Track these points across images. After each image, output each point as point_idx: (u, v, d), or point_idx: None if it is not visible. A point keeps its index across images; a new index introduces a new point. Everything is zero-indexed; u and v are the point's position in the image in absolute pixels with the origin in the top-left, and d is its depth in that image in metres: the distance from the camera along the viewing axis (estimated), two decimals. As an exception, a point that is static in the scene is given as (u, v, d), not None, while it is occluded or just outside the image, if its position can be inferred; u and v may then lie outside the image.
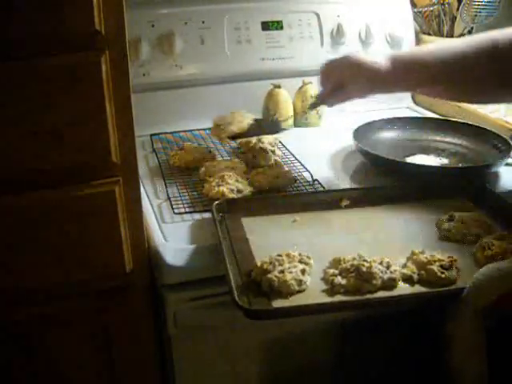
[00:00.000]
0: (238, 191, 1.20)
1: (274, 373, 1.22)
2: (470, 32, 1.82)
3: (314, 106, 1.46)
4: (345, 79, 1.25)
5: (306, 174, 1.35)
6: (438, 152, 1.47)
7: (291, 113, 1.70)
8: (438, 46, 1.29)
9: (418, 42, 1.88)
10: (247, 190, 1.22)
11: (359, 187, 1.32)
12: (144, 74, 1.60)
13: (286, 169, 1.33)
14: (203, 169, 1.31)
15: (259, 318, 0.92)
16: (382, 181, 1.32)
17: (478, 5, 1.77)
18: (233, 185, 1.21)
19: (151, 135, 1.58)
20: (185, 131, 1.62)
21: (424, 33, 1.89)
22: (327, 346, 1.23)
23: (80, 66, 0.92)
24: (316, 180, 1.31)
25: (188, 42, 1.62)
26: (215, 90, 1.68)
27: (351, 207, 1.19)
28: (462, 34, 1.82)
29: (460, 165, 1.38)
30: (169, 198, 1.23)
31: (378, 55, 1.24)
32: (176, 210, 1.19)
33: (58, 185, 0.97)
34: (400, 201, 1.20)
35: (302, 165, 1.40)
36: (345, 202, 1.19)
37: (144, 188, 1.29)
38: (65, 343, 1.09)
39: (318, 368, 1.23)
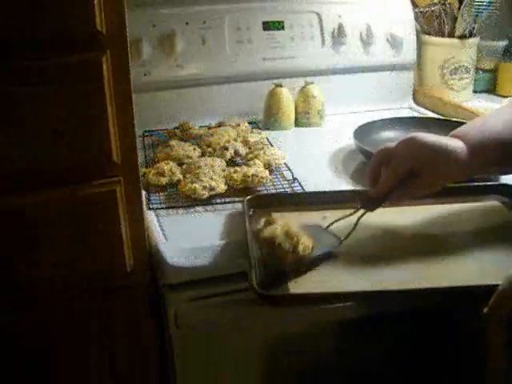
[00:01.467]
0: (211, 189, 1.22)
1: (276, 372, 1.22)
2: (471, 32, 1.82)
3: (373, 207, 1.07)
4: (420, 167, 1.01)
5: (287, 173, 1.35)
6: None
7: (293, 112, 1.70)
8: (502, 114, 1.11)
9: (419, 41, 1.88)
10: (220, 187, 1.23)
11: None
12: (145, 74, 1.59)
13: (262, 168, 1.32)
14: (184, 166, 1.33)
15: (278, 304, 0.96)
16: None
17: (479, 5, 1.77)
18: (206, 182, 1.22)
19: (143, 132, 1.60)
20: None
21: (425, 33, 1.89)
22: (330, 345, 1.23)
23: (81, 66, 0.92)
24: (296, 179, 1.31)
25: (189, 42, 1.62)
26: (216, 89, 1.68)
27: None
28: (463, 35, 1.82)
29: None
30: (148, 194, 1.25)
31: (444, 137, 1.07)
32: (151, 206, 1.21)
33: (58, 185, 0.97)
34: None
35: (285, 164, 1.39)
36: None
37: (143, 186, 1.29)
38: (65, 343, 1.08)
39: (320, 368, 1.23)
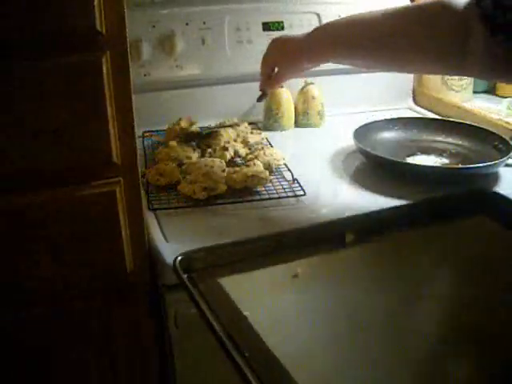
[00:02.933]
0: (211, 189, 1.22)
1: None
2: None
3: (260, 98, 1.45)
4: (276, 60, 1.32)
5: (287, 174, 1.35)
6: (439, 152, 1.47)
7: (293, 112, 1.70)
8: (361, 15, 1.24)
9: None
10: (220, 188, 1.23)
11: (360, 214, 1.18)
12: (145, 75, 1.59)
13: (262, 169, 1.31)
14: (184, 167, 1.33)
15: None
16: (383, 181, 1.32)
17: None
18: (206, 183, 1.23)
19: (143, 132, 1.59)
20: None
21: (425, 33, 1.89)
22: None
23: (81, 67, 0.92)
24: (296, 179, 1.31)
25: (189, 43, 1.62)
26: (216, 90, 1.68)
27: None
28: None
29: (460, 165, 1.38)
30: (148, 195, 1.25)
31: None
32: (152, 206, 1.21)
33: (58, 185, 0.97)
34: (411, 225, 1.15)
35: (285, 165, 1.39)
36: (348, 238, 1.12)
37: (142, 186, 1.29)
38: (65, 343, 1.08)
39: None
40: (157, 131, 1.60)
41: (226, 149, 1.40)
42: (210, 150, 1.42)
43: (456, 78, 1.85)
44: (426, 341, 1.06)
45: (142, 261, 1.08)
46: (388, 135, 1.53)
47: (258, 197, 1.26)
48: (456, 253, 1.12)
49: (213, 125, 1.60)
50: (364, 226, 1.13)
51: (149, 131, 1.60)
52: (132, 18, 1.01)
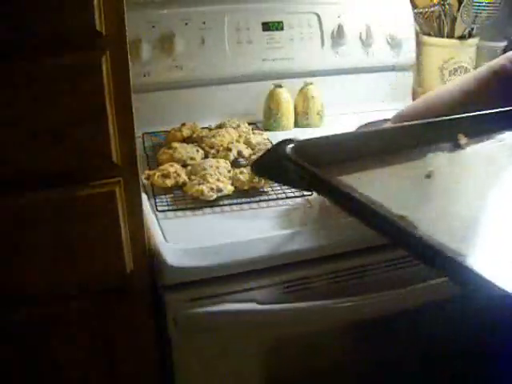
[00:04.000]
0: (218, 190, 1.21)
1: (276, 375, 1.22)
2: (470, 33, 1.82)
3: None
4: None
5: None
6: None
7: (292, 112, 1.70)
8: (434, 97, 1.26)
9: (419, 42, 1.88)
10: (227, 188, 1.22)
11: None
12: (144, 75, 1.59)
13: None
14: (189, 168, 1.32)
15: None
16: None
17: (479, 6, 1.77)
18: (213, 183, 1.22)
19: (143, 133, 1.58)
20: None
21: (424, 34, 1.89)
22: (332, 346, 1.23)
23: (80, 67, 0.92)
24: None
25: (188, 43, 1.61)
26: (216, 90, 1.68)
27: None
28: (462, 35, 1.82)
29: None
30: (154, 196, 1.24)
31: None
32: (159, 208, 1.20)
33: (57, 185, 0.96)
34: None
35: None
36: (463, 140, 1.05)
37: (145, 188, 1.28)
38: (65, 344, 1.08)
39: (320, 371, 1.23)
40: (154, 133, 1.59)
41: (230, 149, 1.39)
42: (213, 150, 1.41)
43: (456, 77, 1.85)
44: None
45: (141, 261, 1.07)
46: (388, 135, 1.53)
47: (266, 197, 1.25)
48: None
49: (213, 125, 1.59)
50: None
51: (148, 133, 1.59)
52: (132, 18, 1.01)
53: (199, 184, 1.22)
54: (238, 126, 1.56)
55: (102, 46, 0.92)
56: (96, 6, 0.89)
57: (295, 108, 1.71)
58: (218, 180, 1.23)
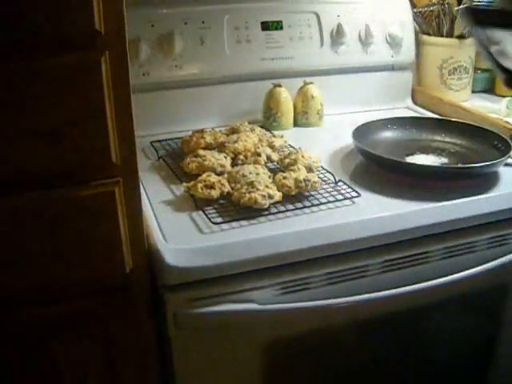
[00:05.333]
0: (269, 197, 1.18)
1: (277, 376, 1.22)
2: (469, 32, 1.82)
3: None
4: None
5: (328, 176, 1.34)
6: (438, 152, 1.46)
7: (292, 112, 1.70)
8: None
9: (418, 41, 1.88)
10: (277, 195, 1.19)
11: None
12: (144, 74, 1.59)
13: (311, 173, 1.30)
14: (226, 175, 1.29)
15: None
16: (382, 181, 1.32)
17: (478, 5, 1.77)
18: (264, 190, 1.18)
19: (151, 142, 1.56)
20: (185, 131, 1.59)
21: (424, 33, 1.89)
22: (331, 348, 1.23)
23: (80, 66, 0.91)
24: (340, 180, 1.31)
25: (188, 42, 1.61)
26: (215, 90, 1.68)
27: None
28: (461, 35, 1.82)
29: (460, 164, 1.38)
30: (202, 210, 1.20)
31: None
32: (214, 220, 1.16)
33: (57, 185, 0.96)
34: None
35: (321, 167, 1.38)
36: None
37: (144, 188, 1.28)
38: (64, 343, 1.08)
39: (322, 369, 1.23)
40: (161, 141, 1.57)
41: (259, 154, 1.37)
42: (241, 156, 1.37)
43: (455, 77, 1.85)
44: None
45: (141, 261, 1.07)
46: (387, 135, 1.53)
47: (316, 201, 1.23)
48: None
49: (212, 125, 1.59)
50: None
51: (158, 141, 1.57)
52: (131, 18, 1.01)
53: (249, 192, 1.18)
54: (253, 129, 1.54)
55: (101, 45, 0.92)
56: (95, 6, 0.89)
57: (294, 107, 1.71)
58: (267, 187, 1.20)
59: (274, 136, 1.53)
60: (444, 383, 1.39)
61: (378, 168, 1.36)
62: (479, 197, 1.24)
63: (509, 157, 1.32)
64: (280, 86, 1.66)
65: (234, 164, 1.36)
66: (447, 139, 1.51)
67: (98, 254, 1.03)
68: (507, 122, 1.56)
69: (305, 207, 1.21)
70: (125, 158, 1.00)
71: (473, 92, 1.94)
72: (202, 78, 1.66)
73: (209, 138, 1.45)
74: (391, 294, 1.15)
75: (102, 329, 1.10)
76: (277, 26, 1.70)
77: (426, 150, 1.47)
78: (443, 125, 1.56)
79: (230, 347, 1.13)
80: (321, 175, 1.34)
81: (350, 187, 1.28)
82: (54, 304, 1.04)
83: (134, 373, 1.14)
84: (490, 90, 2.01)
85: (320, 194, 1.26)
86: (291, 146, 1.50)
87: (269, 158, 1.39)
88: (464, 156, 1.44)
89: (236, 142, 1.42)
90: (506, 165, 1.35)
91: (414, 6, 1.86)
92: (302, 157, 1.34)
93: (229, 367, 1.15)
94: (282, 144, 1.47)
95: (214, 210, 1.20)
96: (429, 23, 1.86)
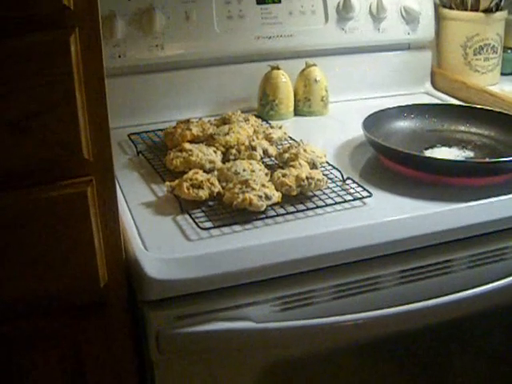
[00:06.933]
0: (267, 197, 1.17)
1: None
2: (497, 5, 1.82)
3: None
4: None
5: (335, 172, 1.35)
6: (462, 144, 1.47)
7: (292, 98, 1.70)
8: None
9: (438, 16, 1.89)
10: (275, 195, 1.19)
11: None
12: (119, 56, 1.59)
13: (315, 169, 1.30)
14: (216, 173, 1.29)
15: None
16: (397, 179, 1.32)
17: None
18: (260, 190, 1.18)
19: (129, 135, 1.56)
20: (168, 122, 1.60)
21: (445, 6, 1.89)
22: (337, 371, 1.24)
23: (45, 47, 0.91)
24: (349, 178, 1.31)
25: (171, 18, 1.61)
26: (203, 73, 1.68)
27: None
28: (488, 8, 1.82)
29: (487, 159, 1.38)
30: (188, 213, 1.20)
31: None
32: (202, 225, 1.15)
33: (19, 186, 0.96)
34: None
35: (327, 163, 1.38)
36: None
37: (120, 188, 1.28)
38: (31, 367, 1.08)
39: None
40: (141, 133, 1.58)
41: (254, 148, 1.37)
42: (233, 150, 1.37)
43: (481, 57, 1.86)
44: None
45: (117, 273, 1.07)
46: (403, 124, 1.54)
47: (321, 203, 1.23)
48: None
49: (198, 116, 1.59)
50: None
51: (137, 133, 1.57)
52: (104, -10, 1.01)
53: (243, 192, 1.18)
54: (247, 119, 1.55)
55: (70, 22, 0.92)
56: (63, -23, 0.89)
57: (295, 93, 1.71)
58: (264, 186, 1.19)
59: (272, 127, 1.53)
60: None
61: (392, 163, 1.36)
62: (510, 196, 1.25)
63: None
64: (278, 68, 1.67)
65: (225, 160, 1.37)
66: (473, 129, 1.52)
67: (66, 266, 1.03)
68: (543, 109, 1.56)
69: (308, 209, 1.21)
70: (98, 153, 1.00)
71: (502, 74, 1.95)
72: (188, 59, 1.66)
73: (196, 130, 1.45)
74: (408, 310, 1.15)
75: (73, 351, 1.10)
76: (274, -2, 1.71)
77: (448, 142, 1.48)
78: (468, 113, 1.56)
79: (222, 372, 1.13)
80: (326, 172, 1.35)
81: (359, 186, 1.28)
82: (18, 322, 1.04)
83: (108, 402, 1.14)
84: (522, 72, 2.02)
85: (325, 193, 1.27)
86: (291, 139, 1.51)
87: (265, 152, 1.39)
88: (492, 149, 1.44)
89: (227, 133, 1.42)
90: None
91: (433, -26, 1.87)
92: (304, 151, 1.34)
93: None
94: (280, 136, 1.48)
95: (203, 214, 1.20)
96: (451, -5, 1.87)
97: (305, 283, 1.12)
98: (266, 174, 1.27)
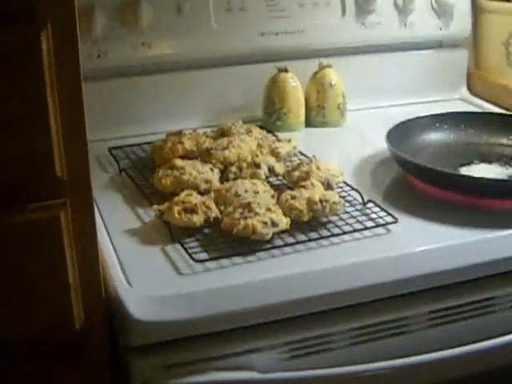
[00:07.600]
0: (273, 224, 1.17)
1: None
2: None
3: None
4: None
5: (353, 194, 1.35)
6: (505, 160, 1.47)
7: (303, 106, 1.70)
8: None
9: (476, 8, 1.89)
10: (283, 221, 1.18)
11: None
12: (99, 55, 1.60)
13: (330, 191, 1.30)
14: (212, 194, 1.29)
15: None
16: (428, 201, 1.32)
17: None
18: (265, 215, 1.17)
19: (110, 149, 1.57)
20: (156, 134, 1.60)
21: (484, -3, 1.90)
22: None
23: (12, 45, 0.92)
24: (370, 201, 1.31)
25: (159, 11, 1.62)
26: (197, 76, 1.69)
27: None
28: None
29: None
30: (180, 242, 1.19)
31: None
32: (196, 257, 1.15)
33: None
34: None
35: (345, 183, 1.39)
36: None
37: (99, 212, 1.29)
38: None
39: None
40: (122, 147, 1.58)
41: (258, 165, 1.37)
42: (233, 168, 1.37)
43: (527, 57, 1.86)
44: None
45: (96, 312, 1.07)
46: (434, 137, 1.54)
47: (337, 230, 1.23)
48: None
49: (196, 126, 1.60)
50: None
51: (118, 147, 1.58)
52: (82, -21, 1.01)
53: (244, 218, 1.17)
54: (249, 130, 1.55)
55: (41, 16, 0.93)
56: (32, -37, 0.90)
57: (306, 100, 1.72)
58: (269, 210, 1.19)
59: (279, 140, 1.54)
60: None
61: (421, 183, 1.37)
62: (562, 222, 1.25)
63: None
64: (286, 70, 1.67)
65: (223, 179, 1.37)
66: (517, 143, 1.53)
67: (37, 304, 1.03)
68: None
69: (321, 238, 1.21)
70: (73, 170, 1.00)
71: (552, 78, 1.96)
72: (179, 60, 1.67)
73: (189, 144, 1.46)
74: (441, 358, 1.15)
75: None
76: (282, -12, 1.72)
77: (488, 157, 1.48)
78: (510, 122, 1.57)
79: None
80: (343, 194, 1.35)
81: (383, 210, 1.29)
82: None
83: None
84: None
85: (342, 219, 1.27)
86: (302, 154, 1.51)
87: (271, 170, 1.39)
88: (540, 166, 1.45)
89: (226, 148, 1.43)
90: None
91: (470, -41, 1.88)
92: (318, 168, 1.34)
93: None
94: (289, 151, 1.48)
95: (197, 243, 1.20)
96: (490, -17, 1.88)
97: (318, 326, 1.12)
98: (272, 196, 1.27)
